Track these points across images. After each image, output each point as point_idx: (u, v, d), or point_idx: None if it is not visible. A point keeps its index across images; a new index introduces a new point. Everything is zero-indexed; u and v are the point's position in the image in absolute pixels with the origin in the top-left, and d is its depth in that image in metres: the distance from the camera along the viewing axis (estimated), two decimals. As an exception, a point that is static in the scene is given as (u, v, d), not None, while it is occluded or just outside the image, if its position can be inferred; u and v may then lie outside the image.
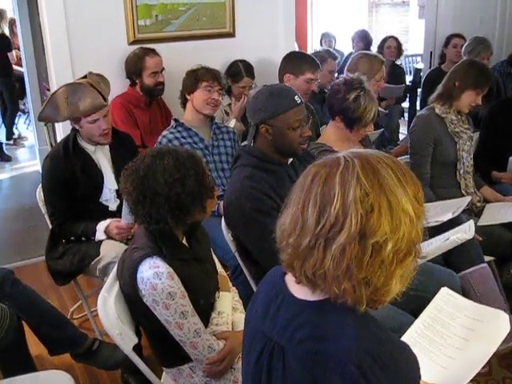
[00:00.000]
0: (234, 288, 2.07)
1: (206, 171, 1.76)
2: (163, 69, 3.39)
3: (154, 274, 1.65)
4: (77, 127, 2.52)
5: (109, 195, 2.61)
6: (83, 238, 2.56)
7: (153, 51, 3.38)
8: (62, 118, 2.52)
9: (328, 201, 1.00)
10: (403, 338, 1.50)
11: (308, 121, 2.16)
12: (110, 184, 2.60)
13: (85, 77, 2.53)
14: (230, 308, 1.90)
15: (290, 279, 1.16)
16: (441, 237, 2.24)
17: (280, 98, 2.09)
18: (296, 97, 2.10)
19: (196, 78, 2.89)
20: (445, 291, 1.61)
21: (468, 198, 2.66)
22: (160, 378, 1.88)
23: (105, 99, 2.49)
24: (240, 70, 3.61)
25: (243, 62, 3.66)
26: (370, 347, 1.00)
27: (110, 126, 2.56)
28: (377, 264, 0.99)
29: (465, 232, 2.20)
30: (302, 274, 1.06)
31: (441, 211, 2.47)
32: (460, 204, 2.52)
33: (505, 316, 1.47)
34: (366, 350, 1.00)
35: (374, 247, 0.98)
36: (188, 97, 2.94)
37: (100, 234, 2.50)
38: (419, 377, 1.08)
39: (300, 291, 1.12)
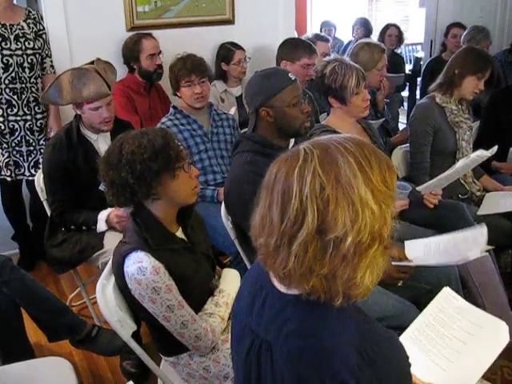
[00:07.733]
0: None
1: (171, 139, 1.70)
2: (160, 51, 3.37)
3: (138, 269, 1.62)
4: (79, 112, 2.51)
5: None
6: (84, 228, 2.55)
7: (149, 34, 3.38)
8: (65, 102, 2.49)
9: (288, 198, 0.97)
10: (405, 334, 1.50)
11: (305, 97, 2.16)
12: None
13: (92, 63, 2.51)
14: (233, 286, 1.87)
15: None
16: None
17: (274, 78, 2.10)
18: (290, 74, 2.12)
19: (175, 77, 2.86)
20: (447, 291, 1.59)
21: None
22: (159, 365, 1.89)
23: (109, 88, 2.46)
24: (228, 48, 3.63)
25: (226, 42, 3.68)
26: (355, 342, 0.99)
27: (113, 115, 2.54)
28: (338, 258, 0.96)
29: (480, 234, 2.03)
30: (274, 272, 1.05)
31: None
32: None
33: (504, 326, 1.47)
34: (351, 345, 0.98)
35: (334, 242, 0.95)
36: (178, 93, 2.92)
37: (101, 224, 2.48)
38: (409, 365, 1.06)
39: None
